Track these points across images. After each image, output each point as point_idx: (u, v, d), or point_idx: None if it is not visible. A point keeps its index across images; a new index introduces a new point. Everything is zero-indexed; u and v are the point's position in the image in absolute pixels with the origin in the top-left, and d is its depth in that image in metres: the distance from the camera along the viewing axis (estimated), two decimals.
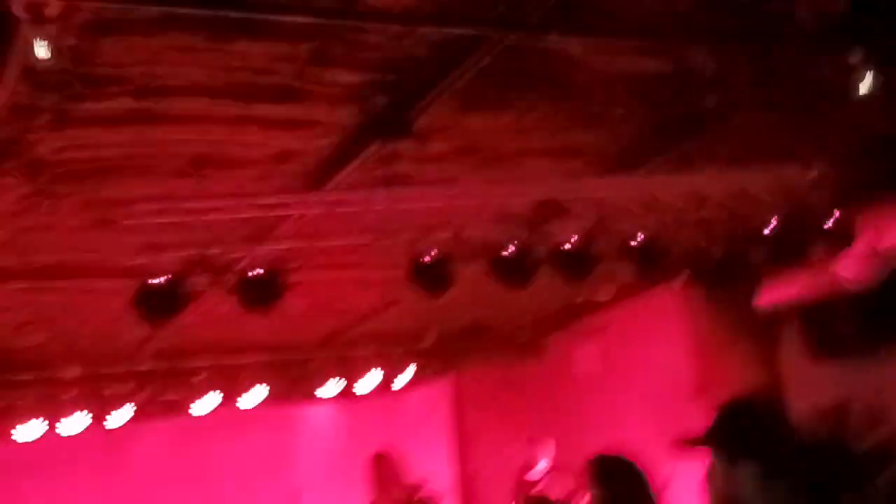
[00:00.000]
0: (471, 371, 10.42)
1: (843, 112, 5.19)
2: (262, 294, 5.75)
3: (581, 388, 9.95)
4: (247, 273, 5.73)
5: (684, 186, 5.93)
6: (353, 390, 9.46)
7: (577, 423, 9.17)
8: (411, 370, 9.71)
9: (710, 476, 3.65)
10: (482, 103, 4.92)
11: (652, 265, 6.50)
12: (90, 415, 8.25)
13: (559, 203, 5.99)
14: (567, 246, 6.17)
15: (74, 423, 8.17)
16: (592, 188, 5.85)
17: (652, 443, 8.48)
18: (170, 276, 5.60)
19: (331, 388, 9.36)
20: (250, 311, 5.91)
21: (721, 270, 7.23)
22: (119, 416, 8.36)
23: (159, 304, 5.57)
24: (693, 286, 8.38)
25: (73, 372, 7.99)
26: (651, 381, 9.10)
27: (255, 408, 8.92)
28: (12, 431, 8.04)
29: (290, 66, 4.28)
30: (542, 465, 8.86)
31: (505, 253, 6.09)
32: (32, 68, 3.63)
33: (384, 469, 8.15)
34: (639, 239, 6.38)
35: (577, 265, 6.23)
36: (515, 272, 6.14)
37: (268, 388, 8.92)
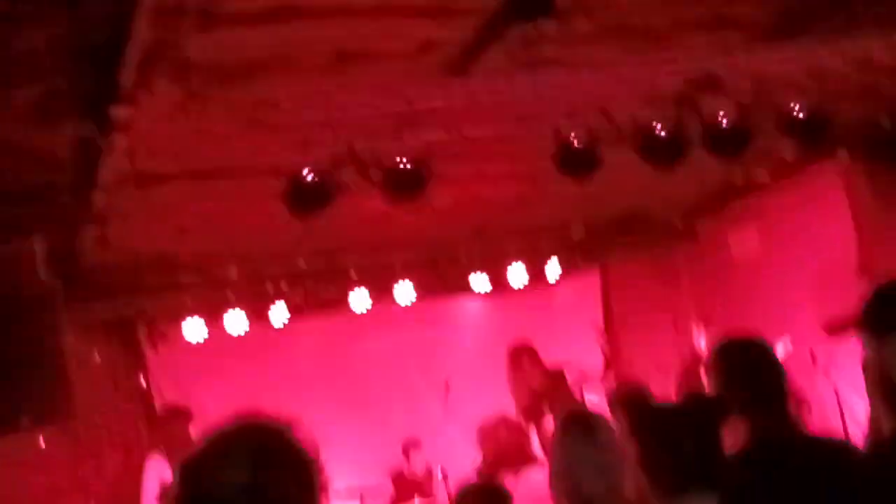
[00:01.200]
0: (621, 262, 10.29)
1: None
2: (408, 187, 5.75)
3: (738, 274, 9.69)
4: (393, 166, 5.72)
5: (849, 52, 5.55)
6: (503, 284, 9.46)
7: (735, 310, 8.94)
8: (556, 262, 9.62)
9: (865, 358, 3.49)
10: None
11: (814, 139, 6.17)
12: (251, 313, 8.52)
13: (713, 78, 5.71)
14: (721, 122, 5.89)
15: (238, 321, 8.46)
16: (748, 60, 5.54)
17: (814, 327, 8.30)
18: (318, 172, 5.64)
19: (479, 281, 9.39)
20: (395, 204, 5.92)
21: (889, 143, 6.82)
22: (278, 314, 8.62)
23: (309, 198, 5.64)
24: (857, 162, 7.96)
25: (232, 272, 8.24)
26: (812, 264, 8.76)
27: (405, 305, 9.04)
28: (181, 329, 8.38)
29: None
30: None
31: (655, 133, 5.87)
32: None
33: (523, 360, 8.17)
34: (799, 111, 6.04)
35: (732, 142, 5.97)
36: (666, 153, 5.94)
37: (417, 284, 9.02)
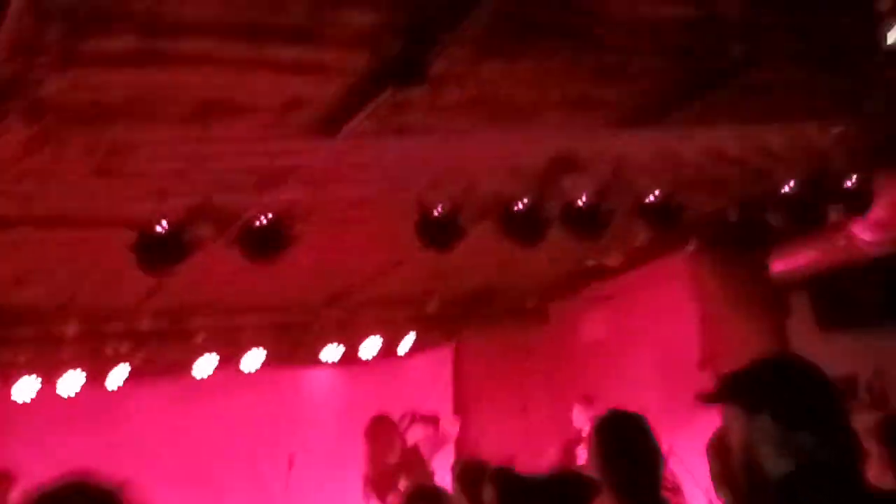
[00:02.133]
0: (474, 338, 10.32)
1: (870, 65, 5.04)
2: (266, 245, 5.61)
3: (587, 357, 9.86)
4: (251, 223, 5.58)
5: (703, 142, 5.77)
6: (355, 355, 9.34)
7: (581, 391, 9.06)
8: (413, 336, 9.59)
9: (724, 433, 3.54)
10: (499, 51, 4.76)
11: (666, 225, 6.36)
12: (87, 374, 8.12)
13: (574, 158, 5.83)
14: (580, 202, 6.02)
15: (72, 382, 8.04)
16: (609, 142, 5.69)
17: (657, 411, 8.46)
18: (172, 225, 5.45)
19: (332, 352, 9.25)
20: (253, 263, 5.77)
21: (735, 234, 7.10)
22: (117, 376, 8.24)
23: (160, 253, 5.43)
24: (705, 252, 8.26)
25: (71, 329, 7.84)
26: (658, 350, 9.01)
27: (255, 370, 8.79)
28: (12, 389, 7.90)
29: (302, 5, 4.13)
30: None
31: (516, 208, 5.94)
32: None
33: (382, 432, 8.06)
34: (654, 197, 6.23)
35: (590, 222, 6.09)
36: (526, 228, 6.00)
37: (267, 351, 8.80)
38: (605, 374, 9.47)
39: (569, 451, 8.85)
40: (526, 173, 5.96)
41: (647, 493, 3.27)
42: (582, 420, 8.86)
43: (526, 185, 6.03)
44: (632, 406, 8.18)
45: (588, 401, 8.92)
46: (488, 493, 2.87)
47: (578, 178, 6.01)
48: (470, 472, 5.40)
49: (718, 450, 3.53)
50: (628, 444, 3.37)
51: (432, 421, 8.31)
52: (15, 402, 7.98)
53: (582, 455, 8.64)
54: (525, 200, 5.99)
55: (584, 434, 8.76)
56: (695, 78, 5.15)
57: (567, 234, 6.26)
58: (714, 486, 3.53)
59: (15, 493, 7.41)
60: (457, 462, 6.35)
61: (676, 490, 7.67)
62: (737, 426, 3.00)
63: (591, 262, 8.63)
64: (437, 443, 8.36)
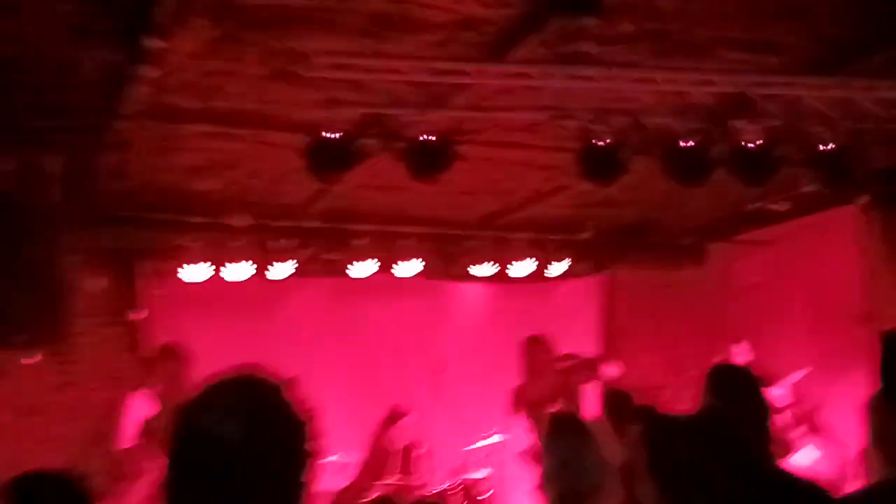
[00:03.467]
0: (625, 271, 10.28)
1: None
2: (430, 161, 5.73)
3: (741, 301, 9.68)
4: (418, 138, 5.71)
5: (883, 95, 5.52)
6: (506, 273, 9.47)
7: (732, 335, 8.92)
8: (567, 263, 9.64)
9: (872, 406, 3.49)
10: None
11: (838, 177, 6.13)
12: (254, 265, 8.53)
13: (747, 99, 5.68)
14: (751, 145, 5.86)
15: (239, 271, 8.47)
16: (785, 87, 5.52)
17: (809, 362, 8.31)
18: (343, 133, 5.63)
19: (484, 268, 9.40)
20: (417, 178, 5.91)
21: None
22: (281, 269, 8.62)
23: (330, 159, 5.63)
24: (875, 207, 7.94)
25: (241, 221, 8.23)
26: (815, 301, 8.78)
27: (410, 278, 9.04)
28: (179, 270, 8.37)
29: None
30: None
31: (683, 145, 5.85)
32: None
33: (538, 353, 8.18)
34: (829, 146, 6.01)
35: (759, 167, 5.92)
36: (691, 168, 5.90)
37: (423, 261, 9.02)
38: (758, 319, 9.29)
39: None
40: (695, 112, 5.85)
41: (755, 444, 3.28)
42: (738, 361, 8.73)
43: (694, 123, 5.92)
44: (783, 354, 8.07)
45: (745, 345, 8.78)
46: (633, 430, 2.92)
47: (750, 122, 5.84)
48: (617, 404, 5.47)
49: (877, 408, 3.49)
50: (736, 394, 3.37)
51: (590, 365, 8.36)
52: (186, 283, 8.43)
53: None
54: (690, 139, 5.88)
55: None
56: (881, 29, 4.93)
57: (733, 177, 6.12)
58: (870, 442, 3.48)
59: (183, 369, 7.88)
60: (605, 392, 6.44)
61: (785, 447, 7.54)
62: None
63: (754, 206, 8.42)
64: (592, 377, 8.43)
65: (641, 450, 2.81)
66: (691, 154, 5.87)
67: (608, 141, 5.79)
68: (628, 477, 3.99)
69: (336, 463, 7.88)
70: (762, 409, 3.33)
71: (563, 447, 3.63)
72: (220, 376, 1.98)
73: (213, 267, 8.46)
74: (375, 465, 8.70)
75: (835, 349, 8.45)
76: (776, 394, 7.57)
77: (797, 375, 8.24)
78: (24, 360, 7.43)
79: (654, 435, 2.80)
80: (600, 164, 5.79)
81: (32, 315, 5.91)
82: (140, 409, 7.72)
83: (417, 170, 5.79)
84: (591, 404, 8.45)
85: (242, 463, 1.88)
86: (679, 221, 9.45)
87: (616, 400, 5.76)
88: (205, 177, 7.38)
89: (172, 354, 7.93)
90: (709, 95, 5.66)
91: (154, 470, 6.70)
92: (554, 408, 7.79)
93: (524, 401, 8.10)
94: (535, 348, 8.18)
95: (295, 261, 8.66)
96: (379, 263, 8.91)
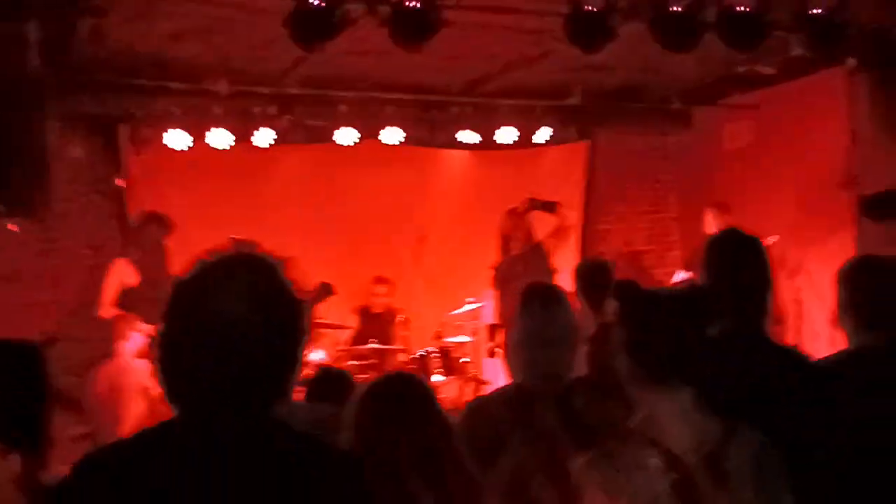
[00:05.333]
0: (611, 136, 10.25)
1: None
2: (415, 27, 5.62)
3: (726, 164, 9.71)
4: (402, 3, 5.58)
5: None
6: (492, 141, 9.42)
7: (719, 198, 8.98)
8: (549, 130, 9.58)
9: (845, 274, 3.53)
10: None
11: (827, 39, 6.08)
12: (236, 132, 8.45)
13: None
14: (739, 8, 5.77)
15: (222, 137, 8.39)
16: None
17: (793, 226, 8.39)
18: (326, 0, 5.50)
19: (469, 135, 9.34)
20: (402, 46, 5.81)
21: None
22: (264, 136, 8.54)
23: (314, 26, 5.52)
24: (863, 71, 7.89)
25: (222, 87, 8.11)
26: (801, 165, 8.81)
27: (394, 145, 8.99)
28: (163, 136, 8.29)
29: None
30: None
31: (672, 9, 5.75)
32: None
33: (510, 224, 8.19)
34: (817, 8, 5.92)
35: (748, 31, 5.86)
36: (679, 32, 5.83)
37: (405, 130, 8.95)
38: (743, 183, 9.34)
39: (692, 259, 8.88)
40: None
41: (753, 314, 3.30)
42: (713, 226, 8.80)
43: None
44: (768, 218, 8.17)
45: (722, 208, 8.82)
46: (610, 304, 2.91)
47: None
48: (592, 274, 5.47)
49: (850, 277, 3.54)
50: (737, 264, 3.36)
51: (549, 206, 8.34)
52: (171, 150, 8.36)
53: None
54: (679, 3, 5.78)
55: None
56: None
57: (721, 42, 6.05)
58: (839, 313, 3.55)
59: (166, 238, 7.92)
60: (580, 263, 6.46)
61: (780, 321, 7.68)
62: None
63: (741, 70, 8.35)
64: (560, 235, 8.46)
65: (619, 325, 2.83)
66: (680, 18, 5.79)
67: (596, 5, 5.68)
68: (597, 349, 4.06)
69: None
70: (763, 277, 3.32)
71: (531, 317, 3.56)
72: (217, 252, 2.01)
73: (196, 134, 8.37)
74: (361, 329, 8.86)
75: (820, 213, 8.53)
76: None
77: (768, 240, 8.33)
78: (8, 227, 7.42)
79: (632, 310, 2.80)
80: (588, 29, 5.71)
81: (13, 182, 5.87)
82: (120, 274, 7.80)
83: (402, 36, 5.69)
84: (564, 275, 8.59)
85: (240, 339, 1.92)
86: (665, 86, 9.37)
87: (592, 271, 5.73)
88: (185, 42, 7.23)
89: (156, 222, 7.95)
90: None
91: (135, 336, 6.84)
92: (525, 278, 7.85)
93: (498, 274, 8.18)
94: (509, 220, 8.20)
95: (278, 128, 8.58)
96: (363, 131, 8.84)
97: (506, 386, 3.69)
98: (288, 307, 2.00)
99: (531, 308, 3.59)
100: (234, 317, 1.92)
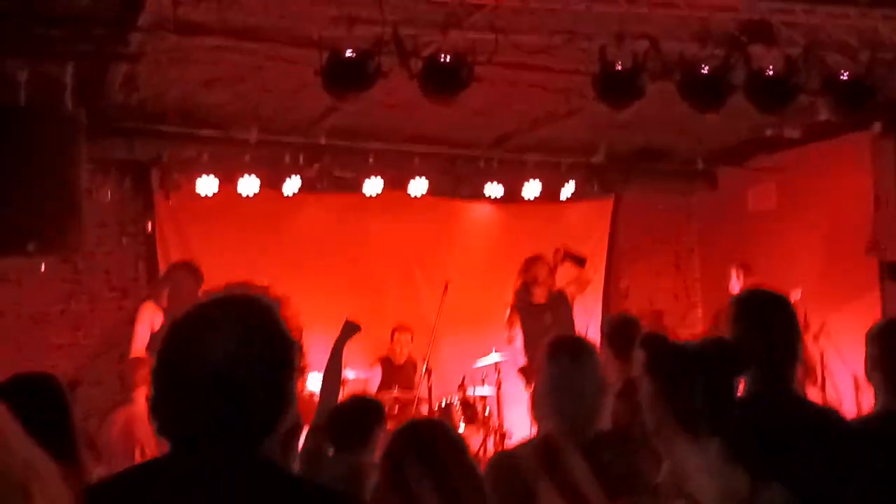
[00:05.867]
0: (635, 194, 10.29)
1: None
2: (446, 82, 5.69)
3: (750, 225, 9.72)
4: (435, 58, 5.66)
5: None
6: (517, 195, 9.48)
7: (742, 261, 8.97)
8: (573, 185, 9.64)
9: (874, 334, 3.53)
10: None
11: (853, 104, 6.11)
12: (265, 179, 8.53)
13: (767, 26, 5.62)
14: (769, 72, 5.82)
15: (250, 185, 8.48)
16: (805, 14, 5.46)
17: (815, 288, 8.37)
18: (361, 51, 5.58)
19: (495, 188, 9.41)
20: (432, 99, 5.88)
21: None
22: (292, 184, 8.63)
23: (347, 77, 5.59)
24: (888, 136, 7.92)
25: (252, 135, 8.22)
26: (825, 228, 8.81)
27: (420, 197, 9.06)
28: (194, 182, 8.37)
29: None
30: None
31: (700, 71, 5.81)
32: None
33: (534, 270, 8.27)
34: (845, 73, 5.97)
35: (776, 94, 5.90)
36: (708, 93, 5.87)
37: (432, 181, 9.03)
38: (767, 245, 9.35)
39: (718, 318, 8.86)
40: (714, 38, 5.80)
41: (783, 372, 3.30)
42: (738, 287, 8.80)
43: (712, 49, 5.88)
44: (791, 280, 8.14)
45: (746, 269, 8.82)
46: (638, 356, 2.91)
47: (769, 48, 5.80)
48: (619, 328, 5.46)
49: (879, 337, 3.54)
50: (766, 320, 3.36)
51: (579, 261, 8.44)
52: (199, 196, 8.44)
53: None
54: (708, 65, 5.84)
55: None
56: None
57: (749, 104, 6.09)
58: (867, 370, 3.53)
59: (196, 285, 7.95)
60: (607, 317, 6.47)
61: (811, 379, 7.65)
62: None
63: (768, 132, 8.39)
64: (580, 286, 8.54)
65: (647, 377, 2.82)
66: (709, 79, 5.84)
67: (626, 64, 5.75)
68: (625, 403, 4.04)
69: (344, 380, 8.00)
70: (793, 334, 3.32)
71: (560, 368, 3.52)
72: (211, 295, 2.06)
73: (226, 180, 8.46)
74: (383, 379, 8.86)
75: (842, 276, 8.51)
76: None
77: (793, 295, 8.32)
78: (39, 268, 7.50)
79: (660, 362, 2.80)
80: (617, 88, 5.76)
81: (44, 223, 5.93)
82: (149, 320, 7.82)
83: (433, 90, 5.76)
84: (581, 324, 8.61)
85: (228, 376, 1.94)
86: (691, 146, 9.42)
87: (621, 326, 5.72)
88: (217, 90, 7.35)
89: (187, 272, 7.99)
90: (729, 21, 5.60)
91: None
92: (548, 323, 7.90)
93: (519, 317, 8.23)
94: (533, 266, 8.26)
95: (306, 176, 8.67)
96: (391, 181, 8.92)
97: (532, 437, 3.68)
98: (277, 345, 2.03)
99: (560, 359, 3.57)
100: (222, 354, 1.95)
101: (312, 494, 2.06)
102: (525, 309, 8.26)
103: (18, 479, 1.37)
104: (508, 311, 8.46)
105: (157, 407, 2.00)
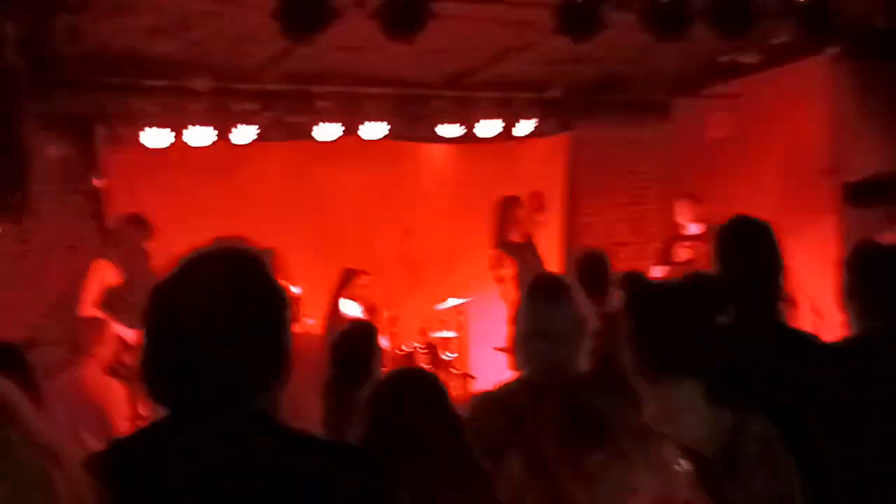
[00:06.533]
0: (591, 128, 10.23)
1: None
2: (406, 19, 5.53)
3: (709, 155, 9.72)
4: None
5: None
6: (473, 134, 9.38)
7: (701, 189, 8.98)
8: (533, 122, 9.56)
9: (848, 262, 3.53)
10: None
11: (813, 27, 6.06)
12: (216, 129, 8.33)
13: None
14: None
15: (201, 135, 8.27)
16: None
17: (775, 216, 8.39)
18: None
19: (451, 128, 9.30)
20: (391, 38, 5.72)
21: (881, 43, 6.75)
22: (244, 133, 8.43)
23: (303, 17, 5.41)
24: (846, 59, 7.92)
25: (202, 84, 7.98)
26: (783, 154, 8.83)
27: (376, 140, 8.92)
28: (140, 135, 8.16)
29: None
30: (694, 228, 8.74)
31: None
32: None
33: (510, 211, 8.27)
34: None
35: (737, 20, 5.83)
36: (670, 21, 5.78)
37: (388, 123, 8.89)
38: (725, 173, 9.36)
39: (668, 248, 8.89)
40: None
41: (766, 300, 3.28)
42: (684, 217, 8.83)
43: None
44: (750, 208, 8.18)
45: (693, 199, 8.86)
46: (616, 297, 2.88)
47: None
48: (589, 265, 5.43)
49: (854, 264, 3.54)
50: (752, 248, 3.34)
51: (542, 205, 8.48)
52: (148, 150, 8.23)
53: (679, 253, 8.68)
54: None
55: (685, 231, 8.77)
56: None
57: (711, 30, 6.01)
58: (844, 296, 3.53)
59: (147, 240, 7.78)
60: (575, 253, 6.45)
61: (792, 303, 7.69)
62: None
63: (724, 59, 8.35)
64: (540, 228, 8.60)
65: (627, 318, 2.78)
66: (670, 7, 5.75)
67: None
68: (603, 342, 4.01)
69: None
70: (777, 264, 3.31)
71: (537, 311, 3.48)
72: (196, 249, 1.98)
73: (174, 132, 8.26)
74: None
75: (802, 201, 8.55)
76: None
77: None
78: None
79: (640, 302, 2.76)
80: (579, 20, 5.65)
81: None
82: (100, 277, 7.67)
83: (392, 28, 5.60)
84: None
85: (219, 332, 1.88)
86: (646, 77, 9.35)
87: (591, 262, 5.67)
88: (163, 38, 7.11)
89: (135, 225, 7.82)
90: None
91: (114, 339, 6.63)
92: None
93: (496, 258, 8.20)
94: (509, 207, 8.23)
95: (258, 125, 8.47)
96: (344, 126, 8.76)
97: (511, 380, 3.64)
98: (268, 298, 1.97)
99: (537, 300, 3.52)
100: (211, 310, 1.89)
101: (319, 448, 2.01)
102: (510, 247, 8.24)
103: (38, 465, 1.29)
104: (494, 251, 8.42)
105: (149, 372, 1.93)
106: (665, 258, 8.74)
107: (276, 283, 2.00)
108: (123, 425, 5.78)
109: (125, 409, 5.94)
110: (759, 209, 8.20)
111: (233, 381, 1.90)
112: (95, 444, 5.81)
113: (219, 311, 1.89)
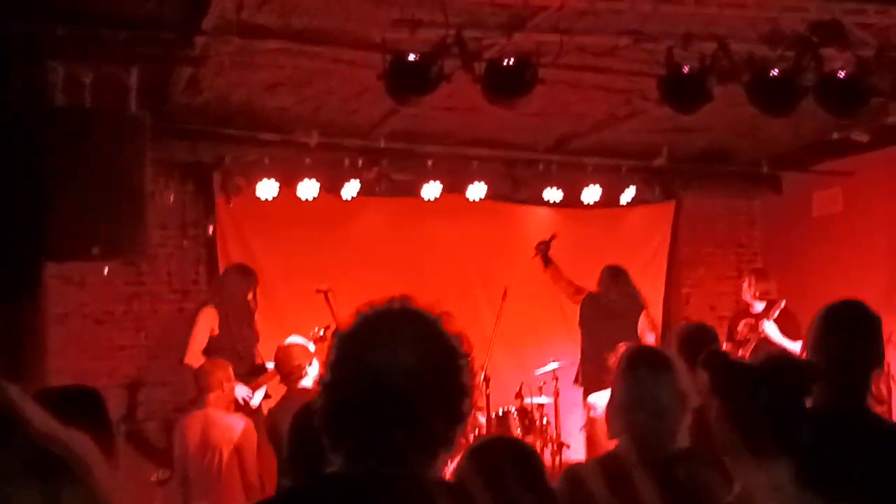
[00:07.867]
0: (698, 198, 10.14)
1: None
2: (510, 84, 5.63)
3: (816, 231, 9.52)
4: (498, 61, 5.60)
5: None
6: (576, 199, 9.38)
7: (807, 266, 8.79)
8: (633, 189, 9.51)
9: None
10: None
11: None
12: (324, 184, 8.53)
13: (838, 26, 5.48)
14: (840, 74, 5.67)
15: (310, 188, 8.48)
16: (878, 16, 5.32)
17: (883, 297, 8.16)
18: (423, 55, 5.54)
19: (554, 192, 9.32)
20: (495, 102, 5.82)
21: None
22: (351, 188, 8.63)
23: (410, 80, 5.55)
24: None
25: (312, 138, 8.22)
26: (891, 234, 8.58)
27: (479, 201, 9.00)
28: (255, 185, 8.39)
29: None
30: (759, 306, 8.50)
31: (769, 73, 5.67)
32: None
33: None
34: None
35: (847, 97, 5.74)
36: (778, 96, 5.74)
37: (490, 185, 8.97)
38: (833, 251, 9.14)
39: (734, 325, 8.61)
40: (783, 39, 5.67)
41: (856, 390, 3.18)
42: (749, 293, 8.54)
43: (782, 50, 5.74)
44: (858, 287, 7.97)
45: (759, 275, 8.60)
46: (702, 377, 2.83)
47: (841, 50, 5.65)
48: (693, 337, 5.28)
49: None
50: (851, 336, 3.24)
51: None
52: (259, 200, 8.47)
53: (741, 331, 8.41)
54: (778, 67, 5.71)
55: (751, 309, 8.49)
56: None
57: (820, 107, 5.94)
58: None
59: (254, 288, 7.97)
60: (678, 326, 6.34)
61: (882, 401, 7.41)
62: None
63: (835, 136, 8.21)
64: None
65: (713, 396, 2.74)
66: (780, 82, 5.70)
67: (693, 66, 5.64)
68: (702, 418, 3.92)
69: None
70: (875, 355, 3.20)
71: (638, 381, 3.40)
72: (373, 306, 1.97)
73: (285, 184, 8.47)
74: None
75: None
76: None
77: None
78: (102, 270, 7.58)
79: (723, 383, 2.72)
80: (684, 91, 5.66)
81: (110, 226, 5.96)
82: (208, 323, 7.83)
83: (496, 93, 5.70)
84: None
85: (407, 392, 1.88)
86: (755, 149, 9.26)
87: (697, 336, 5.52)
88: (279, 93, 7.37)
89: (240, 274, 8.00)
90: (800, 21, 5.48)
91: (228, 384, 6.76)
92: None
93: None
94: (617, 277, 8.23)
95: (365, 180, 8.65)
96: (449, 186, 8.87)
97: (604, 455, 3.57)
98: (453, 361, 1.96)
99: (638, 371, 3.45)
100: (401, 369, 1.89)
101: None
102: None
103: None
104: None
105: (332, 422, 1.93)
106: (729, 335, 8.49)
107: (458, 347, 1.98)
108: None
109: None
110: (867, 289, 8.06)
111: (415, 441, 1.90)
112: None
113: (408, 370, 1.89)
